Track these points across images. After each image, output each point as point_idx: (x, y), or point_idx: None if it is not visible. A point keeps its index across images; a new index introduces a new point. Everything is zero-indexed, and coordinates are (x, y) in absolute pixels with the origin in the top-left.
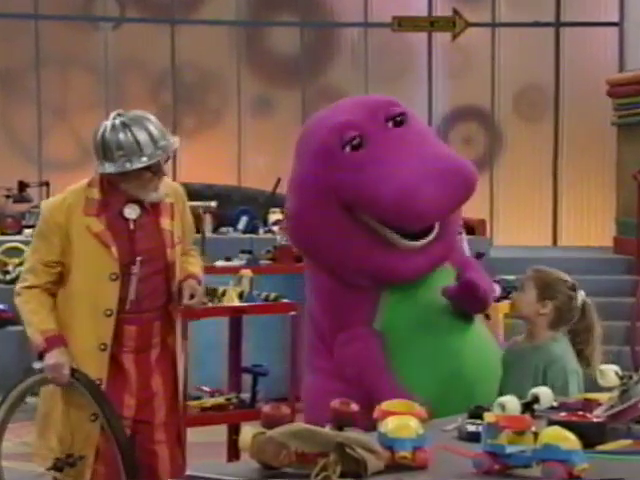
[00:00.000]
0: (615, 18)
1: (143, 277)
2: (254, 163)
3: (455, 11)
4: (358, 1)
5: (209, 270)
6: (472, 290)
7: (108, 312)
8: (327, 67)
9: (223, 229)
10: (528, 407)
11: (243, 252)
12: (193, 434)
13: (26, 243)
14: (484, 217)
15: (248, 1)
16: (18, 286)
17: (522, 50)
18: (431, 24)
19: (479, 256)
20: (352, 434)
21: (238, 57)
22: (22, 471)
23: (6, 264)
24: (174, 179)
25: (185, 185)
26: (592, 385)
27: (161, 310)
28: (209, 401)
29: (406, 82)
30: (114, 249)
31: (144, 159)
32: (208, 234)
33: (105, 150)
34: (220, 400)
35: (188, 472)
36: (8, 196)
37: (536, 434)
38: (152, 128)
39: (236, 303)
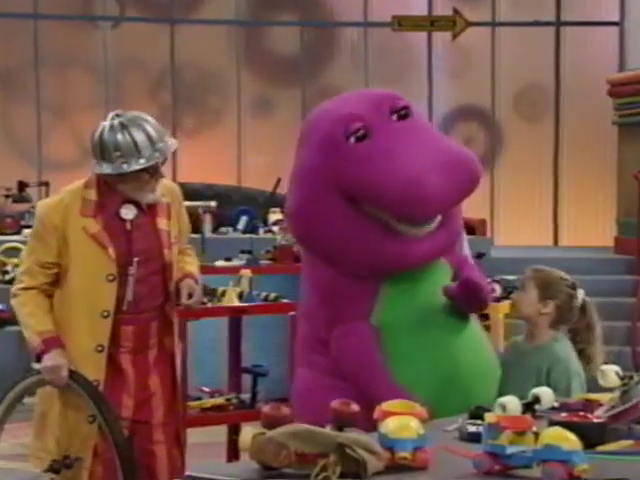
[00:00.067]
0: (615, 17)
1: (140, 278)
2: (254, 163)
3: (455, 10)
4: (358, 1)
5: (209, 270)
6: (473, 289)
7: (105, 313)
8: (327, 67)
9: (223, 229)
10: (529, 407)
11: (243, 252)
12: (193, 434)
13: (25, 243)
14: (484, 217)
15: (248, 1)
16: (14, 287)
17: (522, 49)
18: (431, 23)
19: (480, 256)
20: (352, 435)
21: (238, 57)
22: (19, 471)
23: (5, 264)
24: (174, 179)
25: (185, 185)
26: (593, 385)
27: (158, 310)
28: (209, 401)
29: (406, 81)
30: (111, 250)
31: (142, 161)
32: (208, 234)
33: (103, 151)
34: (220, 400)
35: (188, 472)
36: (7, 196)
37: (537, 434)
38: (150, 129)
39: (236, 303)
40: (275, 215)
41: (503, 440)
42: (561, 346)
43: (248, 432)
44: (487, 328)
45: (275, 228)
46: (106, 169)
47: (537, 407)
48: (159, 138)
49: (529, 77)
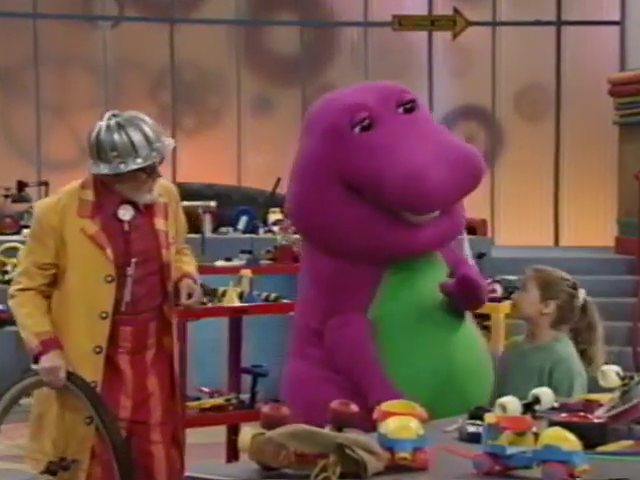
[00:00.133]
0: (616, 17)
1: (138, 278)
2: (254, 163)
3: (456, 10)
4: (358, 0)
5: (209, 270)
6: (470, 286)
7: (103, 314)
8: (327, 66)
9: (223, 229)
10: (529, 408)
11: (243, 252)
12: (192, 435)
13: (25, 243)
14: (485, 217)
15: (248, 0)
16: (12, 288)
17: (523, 49)
18: (431, 23)
19: (480, 256)
20: (352, 435)
21: (238, 56)
22: (16, 472)
23: (4, 264)
24: (174, 179)
25: (185, 185)
26: (593, 386)
27: (157, 311)
28: (208, 402)
29: (406, 81)
30: (109, 251)
31: (139, 160)
32: (208, 234)
33: (99, 151)
34: (219, 401)
35: (187, 473)
36: (7, 196)
37: (537, 435)
38: (147, 129)
39: (236, 303)
40: (275, 215)
41: (503, 440)
42: (563, 346)
43: (247, 432)
44: (488, 328)
45: (275, 228)
46: (103, 169)
47: (537, 407)
48: (156, 138)
49: (530, 77)
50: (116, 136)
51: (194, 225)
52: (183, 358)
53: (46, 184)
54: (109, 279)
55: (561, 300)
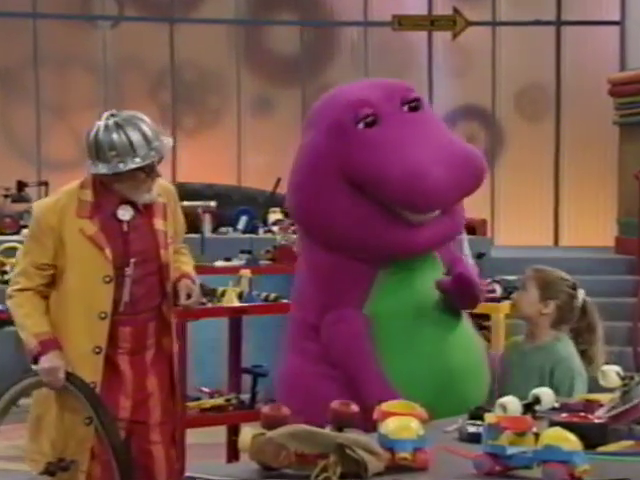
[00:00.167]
0: (616, 17)
1: (137, 279)
2: (254, 163)
3: (455, 10)
4: (358, 0)
5: (208, 270)
6: (466, 283)
7: (102, 315)
8: (327, 66)
9: (223, 229)
10: (529, 408)
11: (243, 252)
12: (192, 435)
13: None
14: (485, 217)
15: (248, 0)
16: (10, 289)
17: (523, 49)
18: (431, 23)
19: (480, 256)
20: (352, 435)
21: (237, 56)
22: (15, 472)
23: (4, 264)
24: (174, 179)
25: (185, 185)
26: (594, 386)
27: (156, 311)
28: (209, 402)
29: (406, 81)
30: (108, 251)
31: (137, 160)
32: (208, 234)
33: (98, 151)
34: (220, 401)
35: (187, 473)
36: (7, 196)
37: (537, 435)
38: (145, 128)
39: (236, 303)
40: (275, 215)
41: (503, 441)
42: (563, 346)
43: (248, 433)
44: (488, 328)
45: (275, 228)
46: (102, 169)
47: (537, 408)
48: (155, 137)
49: (530, 77)
50: (115, 136)
51: (194, 225)
52: (183, 358)
53: (46, 184)
54: (108, 279)
55: (561, 300)
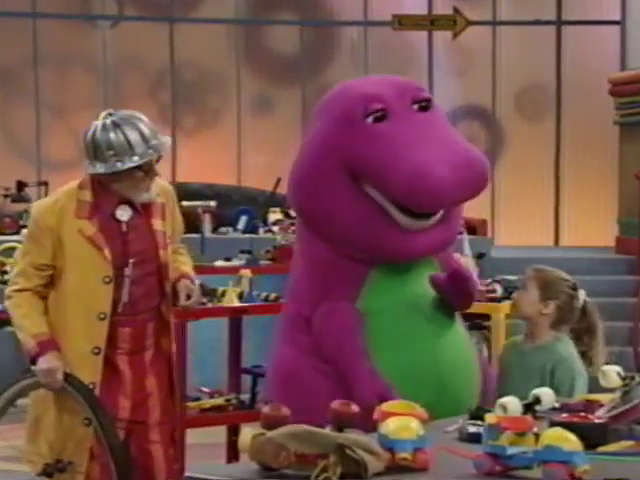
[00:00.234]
0: (617, 16)
1: (136, 279)
2: (254, 163)
3: (456, 9)
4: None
5: (208, 270)
6: (461, 279)
7: (102, 315)
8: (327, 66)
9: (223, 229)
10: (529, 408)
11: (243, 252)
12: (192, 435)
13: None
14: (485, 217)
15: (247, 0)
16: (8, 289)
17: (523, 49)
18: (431, 22)
19: (480, 256)
20: (352, 435)
21: (237, 56)
22: (11, 472)
23: (4, 264)
24: (173, 179)
25: (185, 185)
26: (594, 386)
27: (155, 311)
28: (208, 402)
29: None
30: (107, 252)
31: (135, 158)
32: (208, 234)
33: (96, 150)
34: (220, 401)
35: (187, 473)
36: (6, 195)
37: (537, 435)
38: (143, 127)
39: (236, 303)
40: (275, 215)
41: (504, 441)
42: (563, 346)
43: (248, 433)
44: (488, 328)
45: (275, 228)
46: (100, 168)
47: (538, 408)
48: (152, 135)
49: (530, 76)
50: (112, 135)
51: (194, 225)
52: (183, 358)
53: (46, 184)
54: (107, 280)
55: (561, 301)
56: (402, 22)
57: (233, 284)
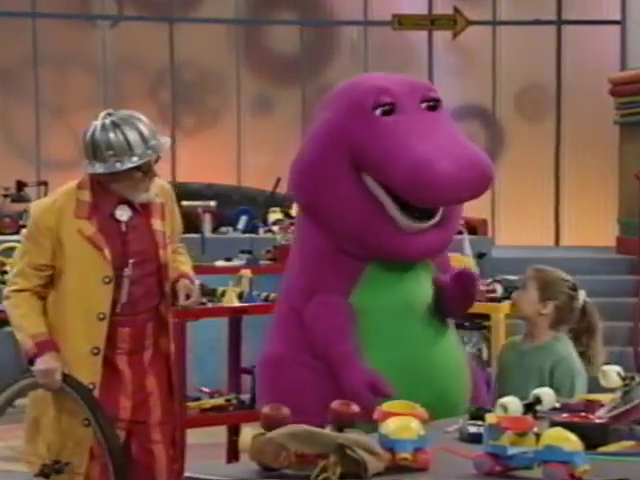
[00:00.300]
0: (617, 16)
1: (136, 279)
2: (254, 162)
3: (456, 9)
4: None
5: (208, 270)
6: (467, 281)
7: (101, 316)
8: (327, 66)
9: (223, 229)
10: (530, 408)
11: (243, 252)
12: (192, 435)
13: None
14: (486, 217)
15: None
16: (7, 289)
17: (523, 48)
18: (432, 22)
19: (481, 256)
20: (352, 435)
21: (237, 56)
22: (9, 472)
23: (3, 264)
24: (173, 179)
25: (185, 185)
26: (594, 386)
27: (154, 311)
28: (209, 402)
29: None
30: (107, 252)
31: (135, 159)
32: (208, 234)
33: (95, 150)
34: (220, 401)
35: (187, 473)
36: (6, 195)
37: (538, 435)
38: (142, 127)
39: (236, 303)
40: (275, 215)
41: (504, 441)
42: (563, 345)
43: (248, 433)
44: (488, 328)
45: (275, 228)
46: (99, 169)
47: (538, 408)
48: (152, 136)
49: (530, 76)
50: (112, 135)
51: (194, 225)
52: (182, 358)
53: (45, 184)
54: (107, 280)
55: (560, 301)
56: (402, 22)
57: (233, 284)
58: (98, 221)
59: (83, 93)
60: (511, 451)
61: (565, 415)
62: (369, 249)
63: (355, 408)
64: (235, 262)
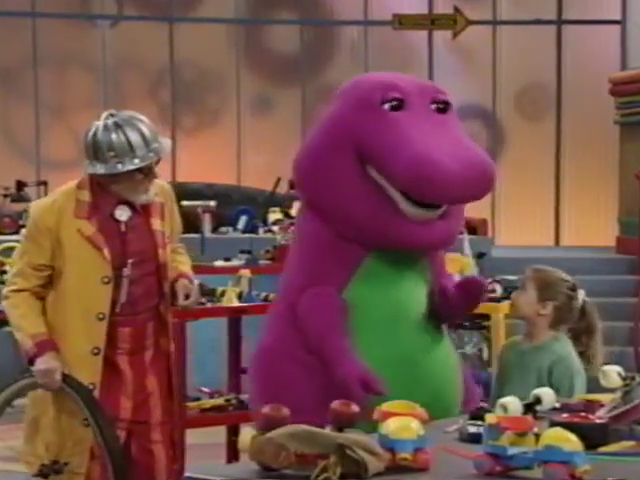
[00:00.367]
0: (617, 16)
1: (135, 279)
2: (254, 162)
3: (456, 9)
4: None
5: (208, 270)
6: (477, 289)
7: (101, 316)
8: (327, 66)
9: (222, 229)
10: (530, 408)
11: (242, 252)
12: (192, 435)
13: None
14: (486, 217)
15: None
16: (6, 289)
17: (524, 48)
18: (432, 22)
19: (481, 256)
20: (352, 435)
21: (237, 55)
22: (8, 472)
23: (3, 264)
24: (173, 178)
25: (184, 184)
26: (594, 386)
27: (154, 311)
28: (208, 402)
29: None
30: (106, 252)
31: (136, 161)
32: (207, 234)
33: (96, 151)
34: (219, 401)
35: (187, 473)
36: (6, 195)
37: (538, 435)
38: (144, 129)
39: (235, 303)
40: (275, 215)
41: (504, 441)
42: (562, 345)
43: (248, 433)
44: (488, 328)
45: (275, 228)
46: (99, 169)
47: (538, 408)
48: (153, 138)
49: (530, 76)
50: (114, 136)
51: (194, 225)
52: (182, 358)
53: (45, 184)
54: (106, 280)
55: (559, 302)
56: (402, 22)
57: (232, 284)
58: (98, 221)
59: (83, 93)
60: (511, 451)
61: (565, 415)
62: (374, 237)
63: (355, 408)
64: (234, 262)
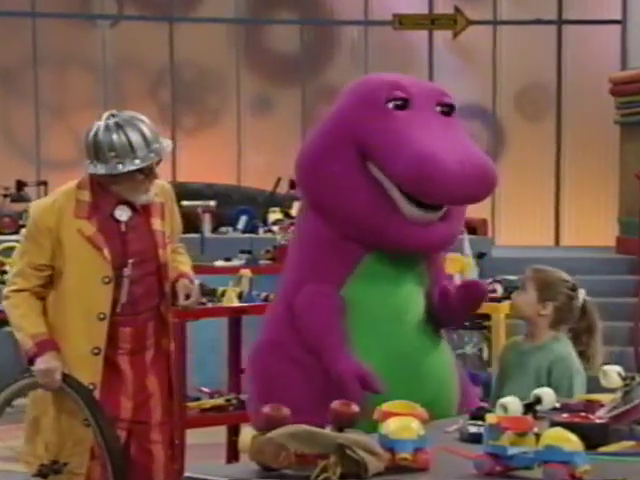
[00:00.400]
0: (618, 16)
1: (136, 279)
2: (254, 162)
3: (456, 9)
4: None
5: (208, 270)
6: (479, 293)
7: (101, 316)
8: (327, 66)
9: (222, 229)
10: (530, 408)
11: (242, 252)
12: (192, 435)
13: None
14: (486, 217)
15: None
16: (6, 289)
17: (524, 48)
18: (432, 22)
19: (481, 256)
20: (352, 435)
21: (237, 55)
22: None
23: (3, 264)
24: (173, 178)
25: (185, 184)
26: (594, 386)
27: (155, 311)
28: (208, 402)
29: None
30: (106, 252)
31: (137, 161)
32: (207, 234)
33: (97, 151)
34: (220, 401)
35: (187, 473)
36: (6, 195)
37: (538, 435)
38: (145, 130)
39: (235, 303)
40: (275, 215)
41: (504, 441)
42: (561, 345)
43: (248, 433)
44: (488, 328)
45: (275, 228)
46: (100, 169)
47: (538, 408)
48: (154, 139)
49: (531, 76)
50: (115, 136)
51: (194, 225)
52: (183, 358)
53: (45, 184)
54: (106, 280)
55: (559, 302)
56: (402, 21)
57: (233, 284)
58: (98, 221)
59: (83, 93)
60: (511, 451)
61: (565, 415)
62: (374, 237)
63: (355, 408)
64: (235, 262)
